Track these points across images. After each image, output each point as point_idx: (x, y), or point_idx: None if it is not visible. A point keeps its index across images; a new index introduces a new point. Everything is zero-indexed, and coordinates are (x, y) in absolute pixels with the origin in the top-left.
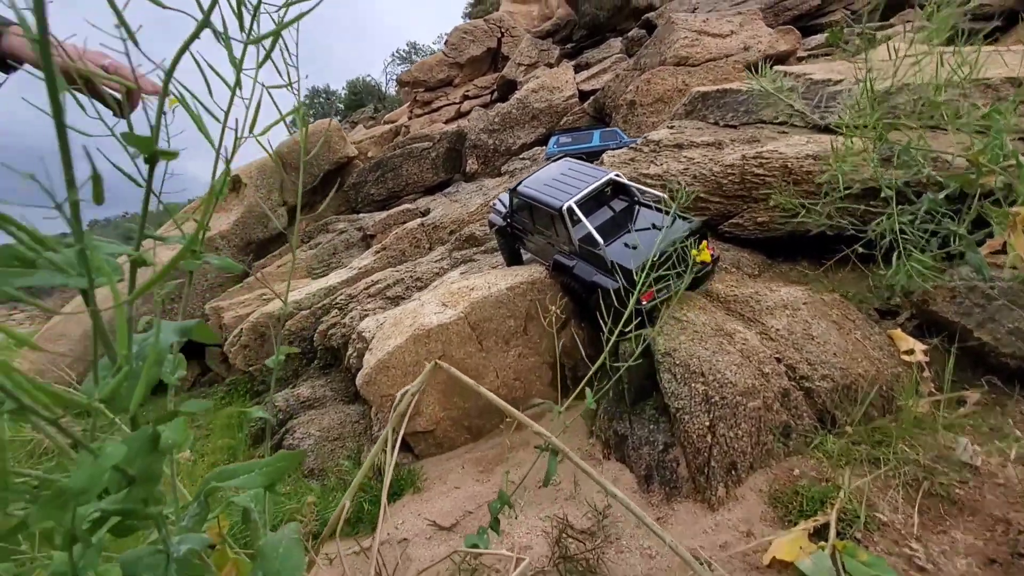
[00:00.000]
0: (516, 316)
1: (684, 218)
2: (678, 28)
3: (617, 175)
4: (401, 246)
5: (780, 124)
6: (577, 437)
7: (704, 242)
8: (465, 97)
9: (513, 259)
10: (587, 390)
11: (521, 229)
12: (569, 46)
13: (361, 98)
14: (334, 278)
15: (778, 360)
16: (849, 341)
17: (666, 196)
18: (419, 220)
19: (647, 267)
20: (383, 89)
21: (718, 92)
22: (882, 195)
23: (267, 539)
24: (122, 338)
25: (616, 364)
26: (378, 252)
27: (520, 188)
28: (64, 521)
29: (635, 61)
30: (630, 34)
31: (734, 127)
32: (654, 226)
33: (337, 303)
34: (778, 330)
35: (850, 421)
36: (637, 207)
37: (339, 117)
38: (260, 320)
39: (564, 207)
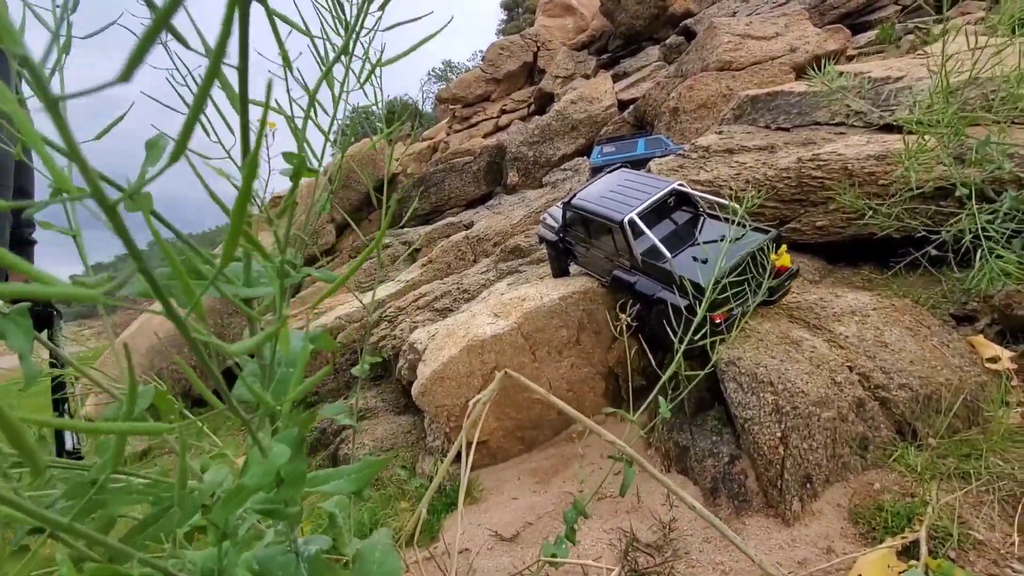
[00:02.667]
0: (568, 326)
1: (758, 228)
2: (720, 32)
3: (680, 184)
4: (447, 259)
5: (837, 125)
6: (634, 449)
7: (784, 246)
8: (503, 111)
9: (562, 273)
10: (660, 399)
11: (574, 243)
12: (605, 56)
13: (398, 116)
14: (382, 291)
15: (850, 368)
16: (926, 348)
17: (732, 204)
18: (464, 233)
19: (720, 282)
20: (420, 107)
21: (768, 95)
22: (956, 194)
23: (364, 545)
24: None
25: (689, 373)
26: (424, 265)
27: (575, 201)
28: (220, 519)
29: (676, 68)
30: (668, 41)
31: (786, 130)
32: (724, 238)
33: (386, 315)
34: (847, 337)
35: (933, 433)
36: (702, 218)
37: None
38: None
39: (625, 219)
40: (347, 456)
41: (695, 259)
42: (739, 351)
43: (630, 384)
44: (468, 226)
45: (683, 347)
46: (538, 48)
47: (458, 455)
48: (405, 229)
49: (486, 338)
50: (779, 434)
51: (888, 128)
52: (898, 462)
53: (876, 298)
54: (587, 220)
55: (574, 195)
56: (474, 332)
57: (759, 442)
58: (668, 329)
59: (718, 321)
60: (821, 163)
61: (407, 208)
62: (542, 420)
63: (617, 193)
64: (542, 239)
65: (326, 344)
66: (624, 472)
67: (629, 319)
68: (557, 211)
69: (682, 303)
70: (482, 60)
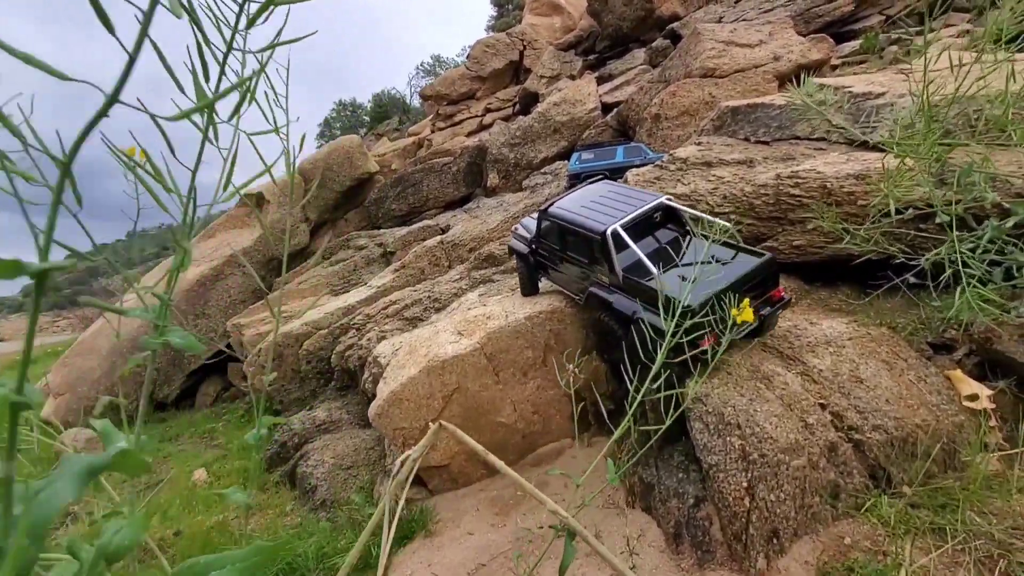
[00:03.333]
0: (535, 347)
1: (752, 252)
2: (704, 39)
3: (669, 199)
4: (420, 264)
5: (817, 140)
6: (599, 480)
7: (747, 300)
8: (487, 110)
9: (532, 288)
10: (609, 462)
11: (547, 256)
12: (592, 57)
13: (386, 110)
14: (353, 297)
15: (823, 407)
16: (902, 384)
17: (723, 223)
18: (439, 238)
19: (716, 301)
20: (408, 101)
21: (748, 106)
22: (937, 220)
23: None
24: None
25: (653, 427)
26: (397, 270)
27: (552, 209)
28: None
29: (660, 73)
30: (654, 44)
31: (766, 143)
32: (715, 260)
33: (355, 323)
34: (821, 371)
35: (908, 480)
36: (689, 238)
37: (365, 129)
38: (278, 339)
39: (608, 231)
40: (305, 475)
41: (683, 279)
42: (707, 386)
43: (574, 407)
44: (444, 230)
45: (640, 396)
46: (524, 47)
47: (391, 521)
48: (381, 230)
49: (447, 358)
50: (745, 484)
51: (868, 145)
52: (871, 513)
53: (853, 326)
54: (564, 231)
55: (551, 203)
56: (435, 352)
57: (724, 491)
58: (643, 352)
59: (706, 347)
60: (799, 180)
61: (383, 208)
62: (506, 444)
63: (599, 204)
64: (512, 251)
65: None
66: (565, 547)
67: (575, 370)
68: (531, 221)
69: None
70: (467, 58)
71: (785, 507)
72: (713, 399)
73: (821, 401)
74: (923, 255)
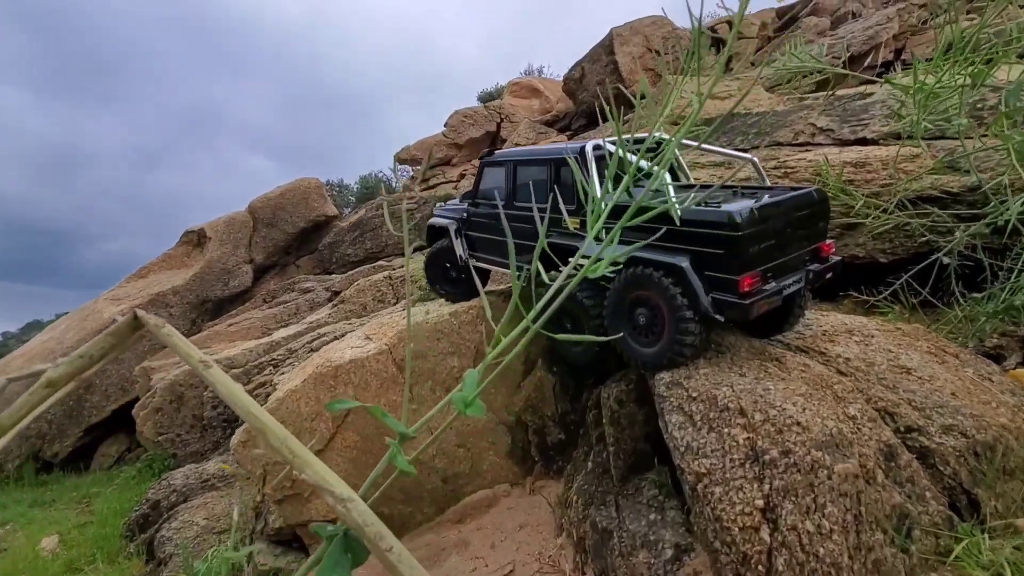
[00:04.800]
0: (462, 353)
1: (789, 188)
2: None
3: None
4: (363, 299)
5: (800, 145)
6: (540, 534)
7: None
8: (462, 176)
9: (463, 286)
10: (471, 374)
11: (486, 224)
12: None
13: (372, 192)
14: (280, 333)
15: (865, 400)
16: (963, 379)
17: (754, 158)
18: (386, 272)
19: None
20: (393, 185)
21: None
22: (973, 180)
23: None
24: None
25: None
26: (336, 305)
27: (501, 151)
28: None
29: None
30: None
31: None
32: (740, 192)
33: (275, 359)
34: (848, 360)
35: (1008, 508)
36: (685, 188)
37: (349, 208)
38: (179, 379)
39: (589, 146)
40: (163, 540)
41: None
42: (688, 369)
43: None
44: (396, 268)
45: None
46: (502, 119)
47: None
48: (333, 276)
49: (342, 363)
50: (760, 501)
51: (861, 142)
52: (969, 559)
53: (876, 321)
54: (517, 168)
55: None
56: (329, 356)
57: (723, 519)
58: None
59: (747, 289)
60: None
61: (338, 253)
62: (420, 491)
63: (570, 144)
64: (434, 231)
65: None
66: (324, 562)
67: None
68: (455, 201)
69: (683, 262)
70: (445, 125)
71: (832, 545)
72: (698, 381)
73: (861, 394)
74: (945, 244)
